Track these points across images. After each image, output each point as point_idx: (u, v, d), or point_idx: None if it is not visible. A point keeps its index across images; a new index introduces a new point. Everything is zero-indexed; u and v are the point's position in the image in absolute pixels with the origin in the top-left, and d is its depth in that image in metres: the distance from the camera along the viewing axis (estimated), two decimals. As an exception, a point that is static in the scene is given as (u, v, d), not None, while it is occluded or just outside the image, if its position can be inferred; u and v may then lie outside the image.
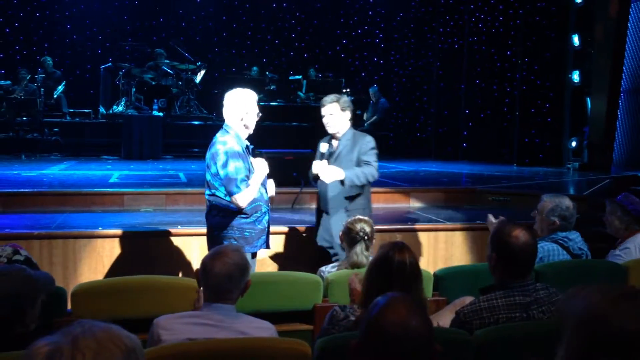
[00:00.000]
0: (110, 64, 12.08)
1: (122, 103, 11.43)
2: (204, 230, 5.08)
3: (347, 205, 4.31)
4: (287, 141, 9.86)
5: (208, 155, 3.74)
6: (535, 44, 10.55)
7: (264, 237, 3.88)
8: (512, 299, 2.45)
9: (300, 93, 12.16)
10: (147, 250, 4.93)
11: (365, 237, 3.53)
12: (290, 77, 12.70)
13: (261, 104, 13.57)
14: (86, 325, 1.09)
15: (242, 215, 3.74)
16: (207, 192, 3.79)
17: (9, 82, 11.14)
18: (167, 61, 12.07)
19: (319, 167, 4.21)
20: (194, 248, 4.97)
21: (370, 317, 1.46)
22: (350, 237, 3.56)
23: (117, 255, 4.90)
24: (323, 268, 3.69)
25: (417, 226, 5.68)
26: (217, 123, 11.82)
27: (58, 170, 8.52)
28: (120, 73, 11.61)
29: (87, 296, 3.01)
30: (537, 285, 2.52)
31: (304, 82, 12.28)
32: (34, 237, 4.78)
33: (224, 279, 2.40)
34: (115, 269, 4.85)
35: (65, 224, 5.34)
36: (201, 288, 2.55)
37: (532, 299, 2.46)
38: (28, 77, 11.09)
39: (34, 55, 12.43)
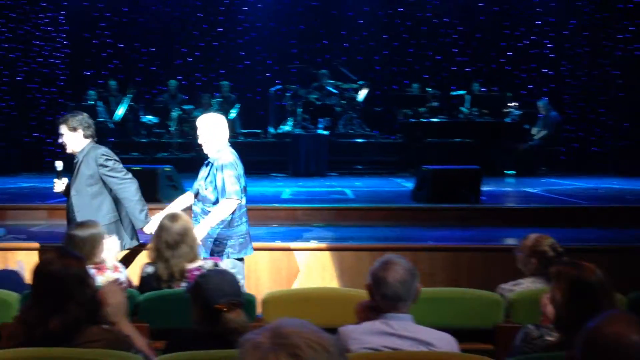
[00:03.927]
0: (278, 86, 12.79)
1: (290, 122, 12.02)
2: (376, 244, 5.20)
3: (99, 218, 4.24)
4: (451, 157, 9.71)
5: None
6: None
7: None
8: None
9: (462, 108, 11.90)
10: (322, 262, 5.11)
11: (557, 251, 3.35)
12: (452, 93, 12.50)
13: (422, 120, 13.23)
14: (286, 322, 1.09)
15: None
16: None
17: (192, 106, 12.23)
18: (331, 81, 12.49)
19: (58, 187, 4.47)
20: (366, 261, 5.04)
21: (589, 331, 1.40)
22: (540, 254, 3.39)
23: (294, 267, 5.14)
24: (504, 285, 3.55)
25: (601, 246, 5.28)
26: (379, 140, 12.02)
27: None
28: (288, 94, 12.24)
29: (278, 303, 3.20)
30: None
31: (468, 97, 11.99)
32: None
33: (399, 285, 2.47)
34: (292, 279, 5.09)
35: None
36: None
37: None
38: (208, 101, 12.10)
39: (212, 81, 13.54)
